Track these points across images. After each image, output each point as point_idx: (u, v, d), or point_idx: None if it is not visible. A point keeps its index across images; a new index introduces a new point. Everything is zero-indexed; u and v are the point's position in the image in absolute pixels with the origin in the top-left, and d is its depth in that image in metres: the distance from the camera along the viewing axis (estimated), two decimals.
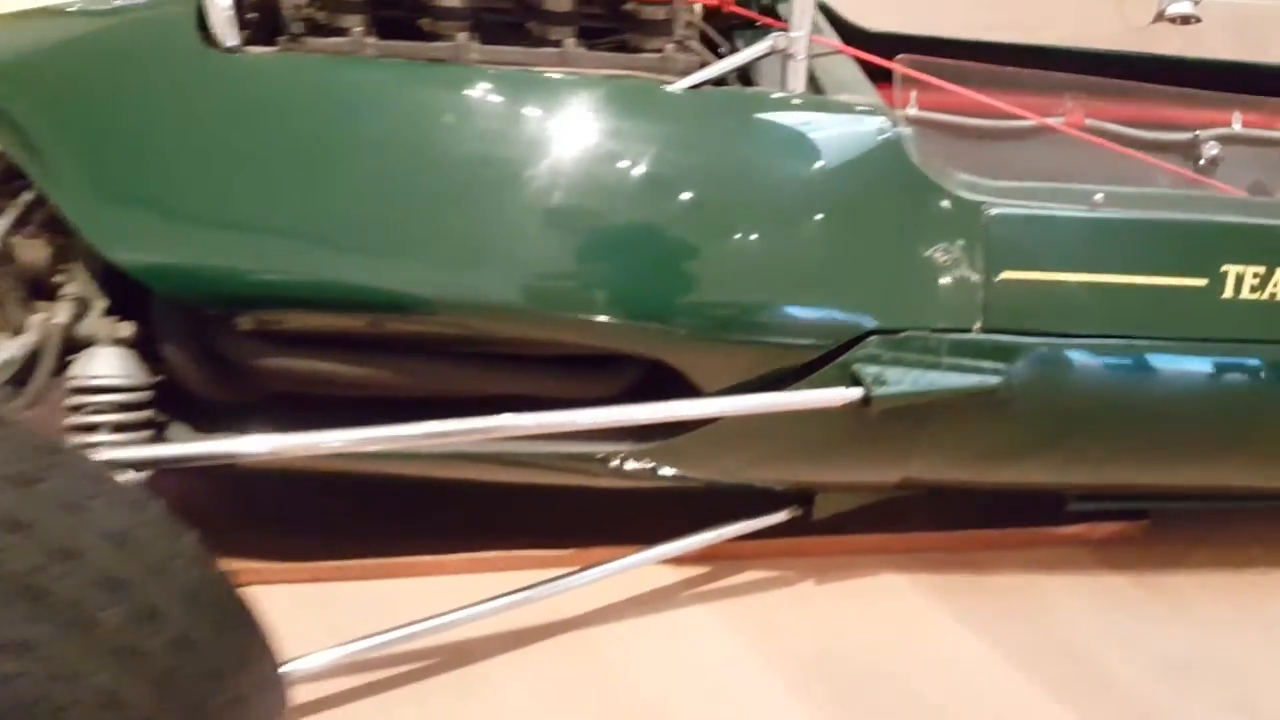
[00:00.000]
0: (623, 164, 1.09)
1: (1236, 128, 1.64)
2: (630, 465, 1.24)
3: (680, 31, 1.24)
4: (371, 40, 1.17)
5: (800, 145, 1.15)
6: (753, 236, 1.12)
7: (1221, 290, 1.21)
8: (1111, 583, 1.48)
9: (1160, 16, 1.76)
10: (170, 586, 0.68)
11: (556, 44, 1.20)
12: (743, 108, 1.16)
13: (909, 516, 1.48)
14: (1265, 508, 1.52)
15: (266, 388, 1.21)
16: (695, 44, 1.28)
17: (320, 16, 1.18)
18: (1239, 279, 1.20)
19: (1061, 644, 1.35)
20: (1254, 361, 1.23)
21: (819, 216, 1.13)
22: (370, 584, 1.34)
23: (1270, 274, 1.21)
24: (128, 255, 1.06)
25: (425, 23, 1.21)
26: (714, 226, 1.12)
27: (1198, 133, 1.61)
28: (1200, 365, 1.23)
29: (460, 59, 1.18)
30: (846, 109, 1.17)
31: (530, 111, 1.10)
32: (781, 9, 1.40)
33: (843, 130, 1.15)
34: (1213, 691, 1.29)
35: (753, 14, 1.41)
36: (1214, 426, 1.28)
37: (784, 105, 1.17)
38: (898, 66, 1.32)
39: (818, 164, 1.14)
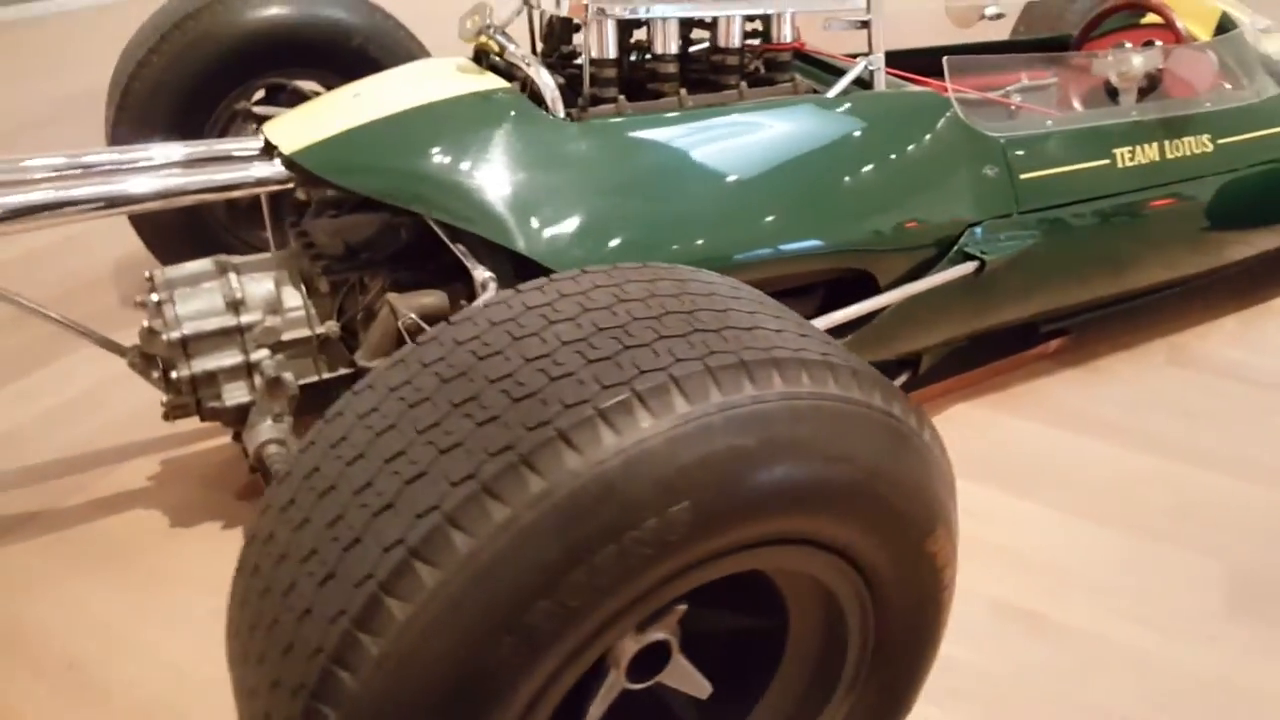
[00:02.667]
0: (832, 149, 1.74)
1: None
2: None
3: (790, 69, 1.89)
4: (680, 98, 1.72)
5: (911, 118, 1.85)
6: (900, 179, 1.80)
7: (1116, 163, 2.07)
8: (1059, 371, 2.33)
9: (981, 16, 2.66)
10: None
11: (735, 87, 1.81)
12: (873, 102, 1.84)
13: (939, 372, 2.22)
14: (1141, 304, 2.41)
15: None
16: (797, 75, 1.94)
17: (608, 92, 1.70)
18: (1125, 155, 2.07)
19: (1047, 404, 2.17)
20: (1140, 200, 2.10)
21: (929, 159, 1.84)
22: None
23: (1135, 151, 2.08)
24: (559, 261, 1.53)
25: (651, 86, 1.76)
26: (878, 178, 1.78)
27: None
28: (1121, 209, 2.08)
29: (682, 106, 1.75)
30: (926, 94, 1.89)
31: (770, 127, 1.71)
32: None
33: (927, 106, 1.87)
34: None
35: (831, 54, 2.06)
36: (1134, 245, 2.14)
37: (896, 97, 1.87)
38: (945, 65, 2.03)
39: (921, 128, 1.85)
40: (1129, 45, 2.53)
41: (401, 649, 0.77)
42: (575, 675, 0.89)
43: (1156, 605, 1.67)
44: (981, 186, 1.89)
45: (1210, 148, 2.17)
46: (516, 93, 1.65)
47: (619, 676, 1.00)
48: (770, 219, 1.67)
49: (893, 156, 1.80)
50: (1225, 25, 2.43)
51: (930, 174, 1.84)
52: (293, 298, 1.65)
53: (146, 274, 1.64)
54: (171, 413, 1.64)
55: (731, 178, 1.66)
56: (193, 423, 1.85)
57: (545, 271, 1.53)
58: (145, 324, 1.58)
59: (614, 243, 1.58)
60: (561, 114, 1.64)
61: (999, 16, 2.67)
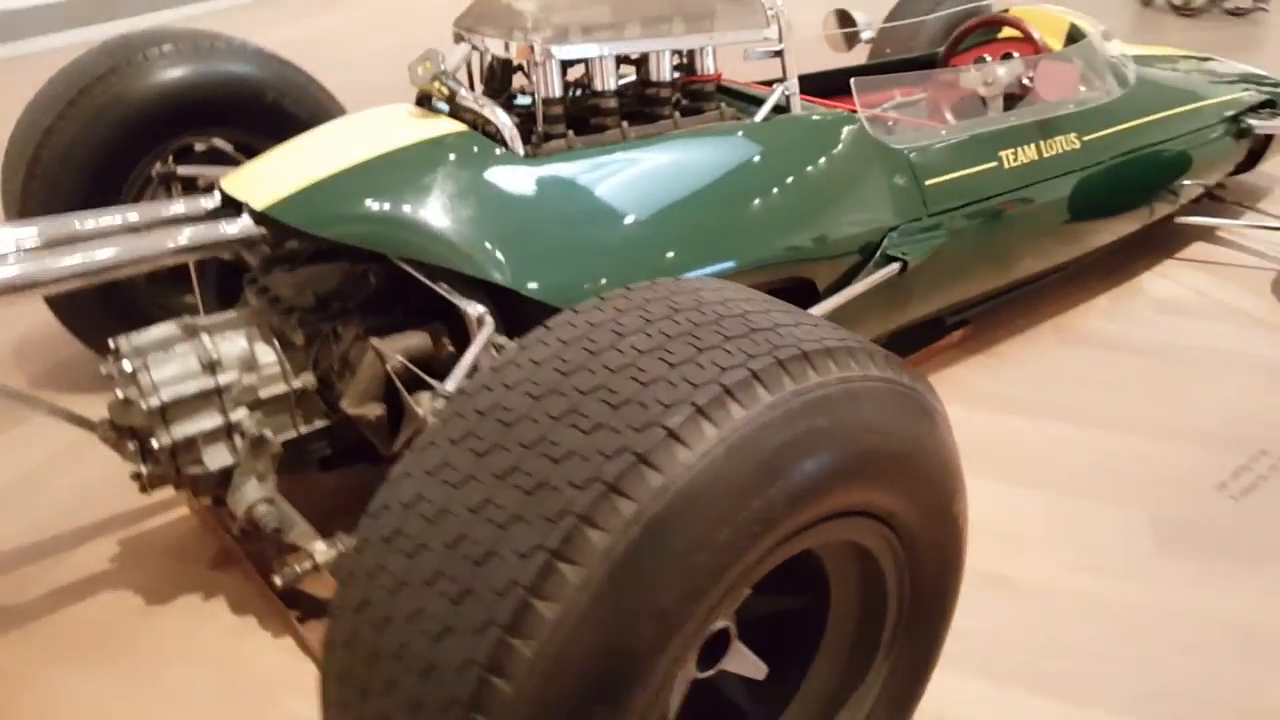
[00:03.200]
0: (768, 168, 1.87)
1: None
2: None
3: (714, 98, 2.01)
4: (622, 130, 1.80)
5: (831, 137, 2.00)
6: (828, 191, 1.95)
7: (1003, 164, 2.28)
8: (966, 359, 2.54)
9: (858, 40, 2.88)
10: None
11: (669, 118, 1.91)
12: (796, 124, 1.98)
13: None
14: (1028, 291, 2.65)
15: None
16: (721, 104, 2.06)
17: (557, 129, 1.77)
18: (1009, 156, 2.29)
19: (961, 390, 2.36)
20: (1025, 196, 2.32)
21: (851, 173, 1.99)
22: None
23: (1017, 152, 2.31)
24: (537, 287, 1.59)
25: (594, 120, 1.85)
26: (811, 192, 1.92)
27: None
28: (1011, 205, 2.29)
29: (625, 138, 1.84)
30: (840, 115, 2.04)
31: (712, 152, 1.83)
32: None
33: (843, 125, 2.03)
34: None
35: (747, 84, 2.18)
36: (1023, 237, 2.36)
37: (816, 119, 2.01)
38: (854, 86, 2.19)
39: (841, 145, 2.00)
40: (989, 58, 2.79)
41: (553, 648, 0.81)
42: (694, 654, 0.95)
43: (1099, 555, 1.85)
44: (895, 194, 2.06)
45: (1078, 144, 2.42)
46: (475, 134, 1.70)
47: (690, 666, 1.07)
48: (723, 236, 1.78)
49: (820, 172, 1.95)
50: (1074, 35, 2.72)
51: (853, 185, 1.99)
52: (266, 354, 1.64)
53: (111, 343, 1.60)
54: (150, 484, 1.59)
55: (684, 200, 1.76)
56: (145, 497, 1.82)
57: (523, 304, 1.59)
58: (118, 394, 1.54)
59: (587, 268, 1.65)
60: (520, 151, 1.70)
61: (871, 40, 2.89)
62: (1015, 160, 2.30)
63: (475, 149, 1.67)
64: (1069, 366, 2.49)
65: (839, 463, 0.96)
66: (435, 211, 1.59)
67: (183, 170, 2.13)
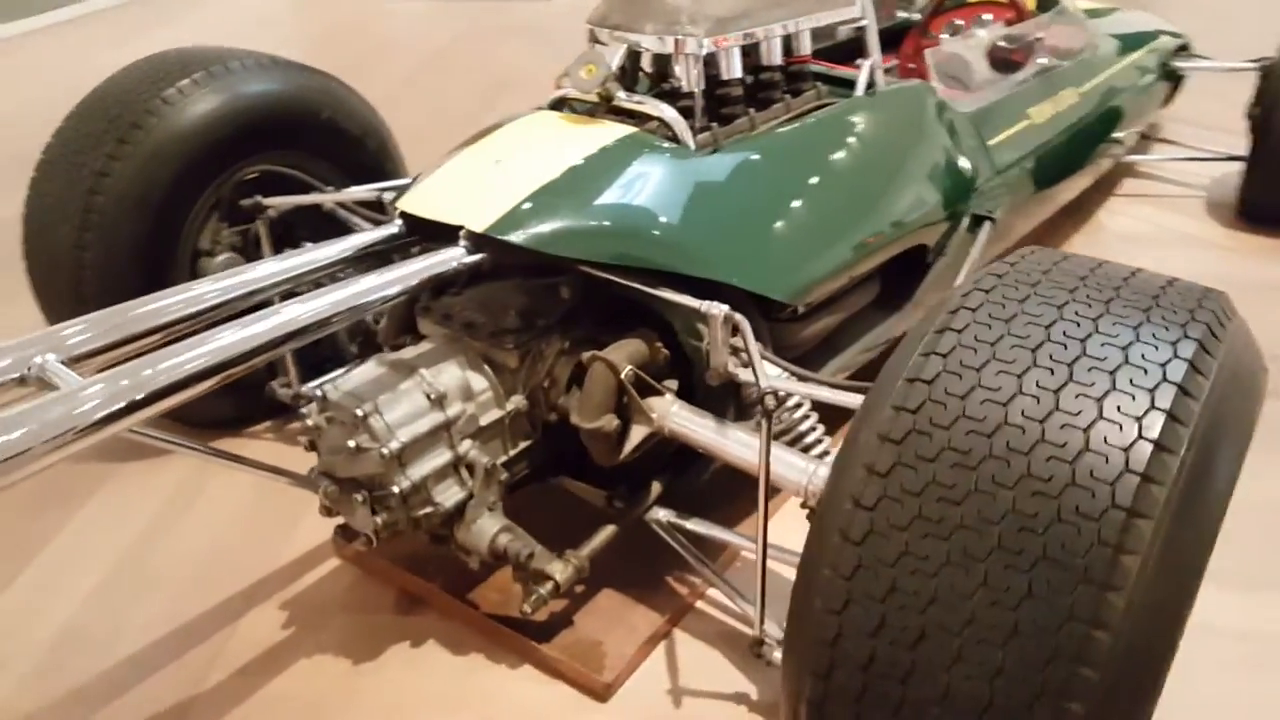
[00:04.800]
0: (895, 139, 1.94)
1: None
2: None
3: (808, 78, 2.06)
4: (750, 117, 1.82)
5: (924, 106, 2.09)
6: (933, 157, 2.04)
7: (1033, 120, 2.46)
8: None
9: None
10: None
11: (781, 100, 1.95)
12: (900, 96, 2.05)
13: None
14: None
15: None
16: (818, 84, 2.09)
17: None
18: (1036, 113, 2.47)
19: None
20: (1053, 146, 2.51)
21: (944, 138, 2.10)
22: None
23: (1042, 108, 2.49)
24: (762, 280, 1.61)
25: (724, 110, 1.85)
26: (924, 159, 2.01)
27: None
28: (1044, 155, 2.47)
29: (753, 124, 1.86)
30: (923, 85, 2.14)
31: (852, 128, 1.88)
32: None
33: (928, 95, 2.12)
34: None
35: (829, 64, 2.22)
36: (1055, 181, 2.55)
37: (911, 90, 2.09)
38: (929, 57, 2.28)
39: (932, 114, 2.10)
40: (960, 22, 2.97)
41: (1136, 598, 0.87)
42: None
43: None
44: (974, 156, 2.18)
45: (1077, 98, 2.64)
46: (651, 134, 1.68)
47: None
48: (880, 206, 1.85)
49: (927, 139, 2.04)
50: None
51: (948, 150, 2.10)
52: (479, 381, 1.56)
53: (317, 392, 1.48)
54: (380, 534, 1.49)
55: (848, 175, 1.82)
56: (280, 555, 1.73)
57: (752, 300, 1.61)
58: (350, 444, 1.43)
59: (793, 254, 1.68)
60: (692, 145, 1.69)
61: None
62: (1040, 116, 2.48)
63: (664, 149, 1.65)
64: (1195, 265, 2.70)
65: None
66: (651, 216, 1.57)
67: (267, 201, 1.96)
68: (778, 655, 1.47)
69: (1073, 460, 0.92)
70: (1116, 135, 2.89)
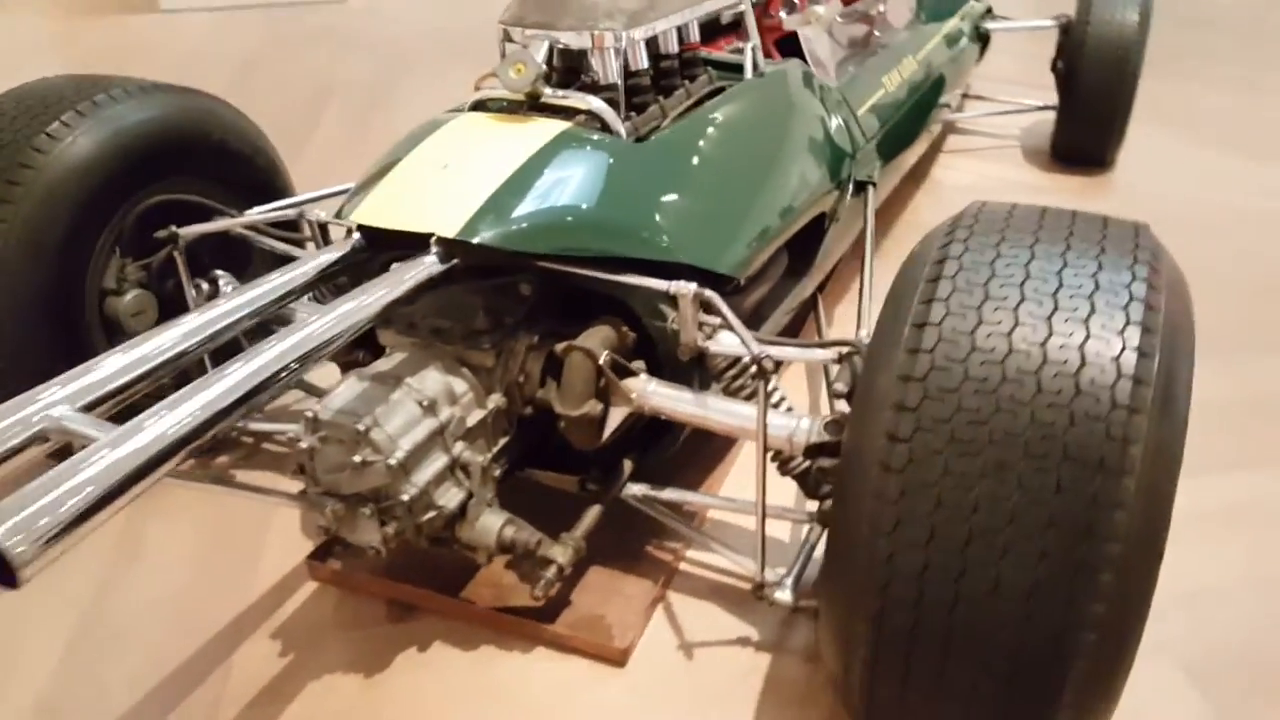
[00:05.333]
0: (795, 116, 2.10)
1: None
2: None
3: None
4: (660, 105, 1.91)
5: (809, 84, 2.26)
6: (826, 130, 2.22)
7: (886, 90, 2.69)
8: None
9: None
10: None
11: (681, 87, 2.06)
12: (787, 76, 2.20)
13: None
14: None
15: None
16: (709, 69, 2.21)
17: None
18: (893, 78, 2.70)
19: None
20: (904, 113, 2.75)
21: (827, 113, 2.28)
22: None
23: (893, 76, 2.73)
24: (715, 260, 1.71)
25: (635, 99, 1.94)
26: (820, 132, 2.18)
27: None
28: (894, 121, 2.71)
29: (664, 112, 1.96)
30: (799, 64, 2.30)
31: (762, 108, 2.03)
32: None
33: (808, 74, 2.29)
34: None
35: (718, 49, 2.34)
36: (901, 146, 2.80)
37: (794, 69, 2.24)
38: (802, 38, 2.43)
39: (816, 91, 2.27)
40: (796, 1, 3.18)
41: (1142, 481, 1.05)
42: None
43: None
44: (850, 128, 2.38)
45: (915, 64, 2.90)
46: (586, 128, 1.75)
47: None
48: (798, 178, 2.01)
49: (818, 114, 2.21)
50: None
51: (830, 123, 2.28)
52: (459, 383, 1.60)
53: (308, 414, 1.47)
54: (389, 544, 1.51)
55: (770, 152, 1.98)
56: (243, 589, 1.77)
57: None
58: (356, 458, 1.44)
59: (733, 232, 1.79)
60: (624, 135, 1.78)
61: None
62: (892, 85, 2.72)
63: (603, 140, 1.72)
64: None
65: None
66: (609, 206, 1.64)
67: (183, 231, 1.89)
68: (779, 595, 1.60)
69: (1075, 374, 1.09)
70: (947, 97, 3.19)
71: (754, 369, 1.68)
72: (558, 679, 1.63)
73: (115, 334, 1.94)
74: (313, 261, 1.59)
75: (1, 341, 1.77)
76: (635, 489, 1.79)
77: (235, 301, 1.45)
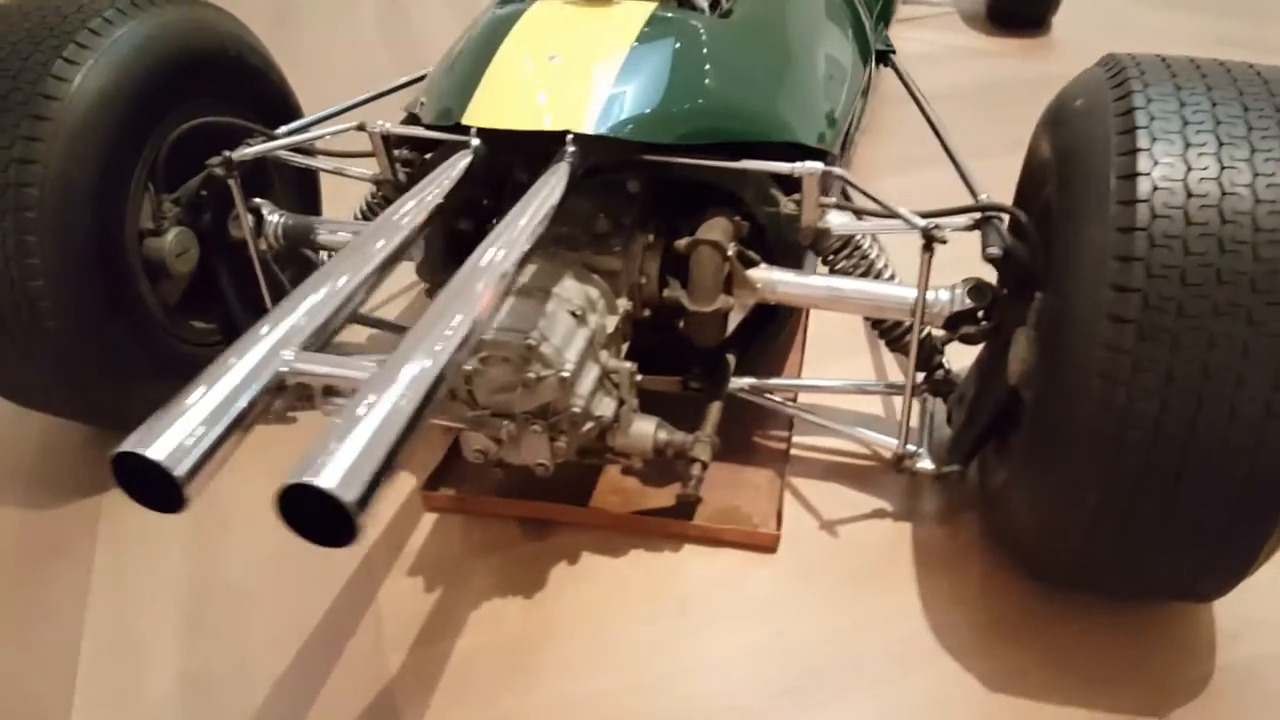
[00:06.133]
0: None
1: None
2: None
3: None
4: None
5: None
6: (848, 6, 2.20)
7: None
8: None
9: None
10: None
11: None
12: None
13: None
14: None
15: None
16: None
17: None
18: None
19: None
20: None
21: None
22: None
23: None
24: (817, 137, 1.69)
25: None
26: (844, 9, 2.16)
27: None
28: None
29: None
30: None
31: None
32: None
33: None
34: None
35: None
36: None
37: None
38: None
39: None
40: None
41: None
42: None
43: None
44: (862, 3, 2.38)
45: None
46: (678, 6, 1.68)
47: None
48: (853, 50, 2.04)
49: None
50: None
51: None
52: (593, 290, 1.54)
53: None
54: (557, 460, 1.47)
55: (828, 28, 1.99)
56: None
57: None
58: (530, 374, 1.38)
59: (820, 109, 1.76)
60: (708, 12, 1.72)
61: None
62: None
63: (697, 22, 1.64)
64: (893, 117, 3.03)
65: None
66: (725, 88, 1.58)
67: (238, 156, 1.72)
68: (922, 464, 1.65)
69: None
70: None
71: (866, 245, 1.70)
72: (715, 571, 1.64)
73: (159, 278, 1.78)
74: (448, 172, 1.47)
75: (49, 298, 1.59)
76: (740, 382, 1.80)
77: (404, 209, 1.34)
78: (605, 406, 1.51)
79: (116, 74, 1.63)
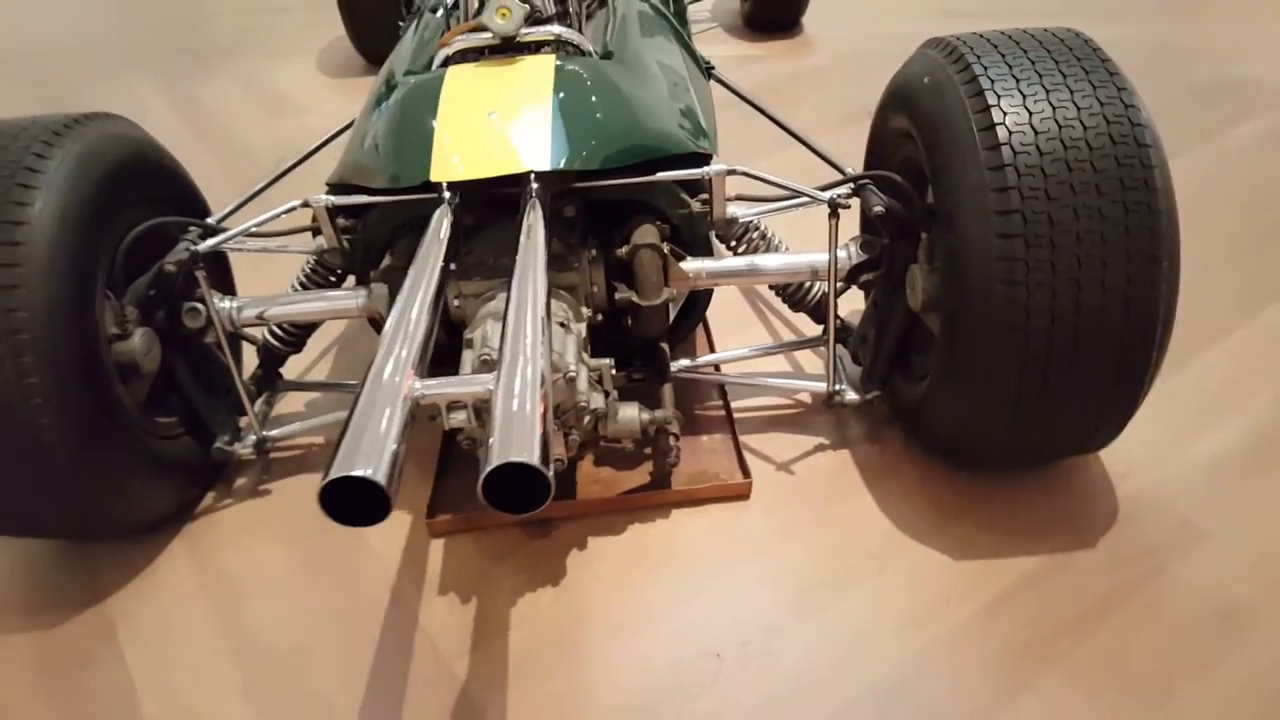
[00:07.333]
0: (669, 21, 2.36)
1: None
2: None
3: None
4: None
5: None
6: (682, 29, 2.51)
7: None
8: None
9: None
10: None
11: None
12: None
13: None
14: None
15: None
16: None
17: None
18: None
19: None
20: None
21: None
22: None
23: None
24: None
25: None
26: (681, 32, 2.47)
27: None
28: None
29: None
30: None
31: (653, 24, 2.26)
32: None
33: None
34: None
35: None
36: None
37: None
38: None
39: None
40: None
41: (1167, 195, 1.53)
42: None
43: None
44: (680, 23, 2.70)
45: None
46: (576, 52, 1.91)
47: None
48: (698, 66, 2.31)
49: (670, 15, 2.50)
50: None
51: (678, 23, 2.59)
52: (562, 305, 1.74)
53: (484, 356, 1.57)
54: (570, 454, 1.66)
55: (680, 50, 2.24)
56: (368, 570, 1.79)
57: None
58: (562, 376, 1.57)
59: (700, 117, 2.04)
60: (596, 56, 1.96)
61: None
62: None
63: (596, 62, 1.89)
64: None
65: None
66: (637, 117, 1.83)
67: (202, 248, 1.79)
68: (850, 396, 1.97)
69: (1107, 130, 1.52)
70: None
71: (763, 227, 2.00)
72: (705, 525, 1.88)
73: (129, 377, 1.81)
74: (442, 228, 1.61)
75: (49, 414, 1.60)
76: (675, 365, 2.05)
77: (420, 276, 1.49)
78: (598, 400, 1.72)
79: (69, 193, 1.67)
